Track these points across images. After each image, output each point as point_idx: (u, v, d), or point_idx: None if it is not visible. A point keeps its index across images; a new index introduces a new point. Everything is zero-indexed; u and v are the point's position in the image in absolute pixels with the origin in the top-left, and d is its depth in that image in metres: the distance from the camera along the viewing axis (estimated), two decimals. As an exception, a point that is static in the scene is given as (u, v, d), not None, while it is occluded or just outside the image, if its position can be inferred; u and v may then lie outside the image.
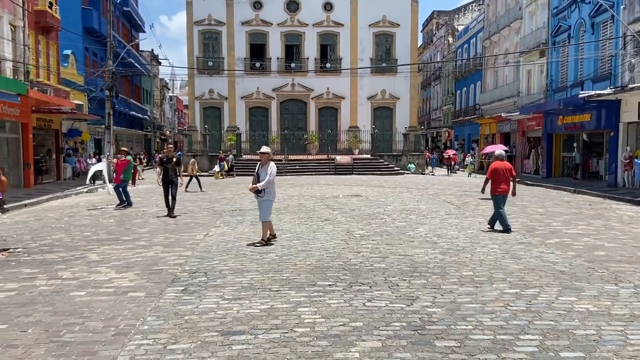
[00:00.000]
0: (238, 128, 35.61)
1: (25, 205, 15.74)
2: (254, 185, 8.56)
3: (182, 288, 6.11)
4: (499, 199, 9.75)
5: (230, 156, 31.00)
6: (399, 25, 36.27)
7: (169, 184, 12.43)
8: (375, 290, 5.95)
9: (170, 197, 12.40)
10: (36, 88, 21.06)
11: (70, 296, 5.84)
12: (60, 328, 4.86)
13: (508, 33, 32.41)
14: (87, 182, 21.02)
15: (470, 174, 30.23)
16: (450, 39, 47.24)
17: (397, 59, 36.37)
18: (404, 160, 33.71)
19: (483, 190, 10.17)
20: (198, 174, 21.17)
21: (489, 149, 24.64)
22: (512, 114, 28.93)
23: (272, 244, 8.67)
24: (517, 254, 7.87)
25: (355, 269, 6.93)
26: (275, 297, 5.75)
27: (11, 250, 8.49)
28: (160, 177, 12.43)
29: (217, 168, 27.53)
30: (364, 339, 4.57)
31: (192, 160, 21.41)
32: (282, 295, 5.82)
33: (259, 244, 8.55)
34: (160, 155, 26.16)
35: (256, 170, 8.75)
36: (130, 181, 15.66)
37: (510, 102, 31.70)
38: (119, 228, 10.74)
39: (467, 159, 32.96)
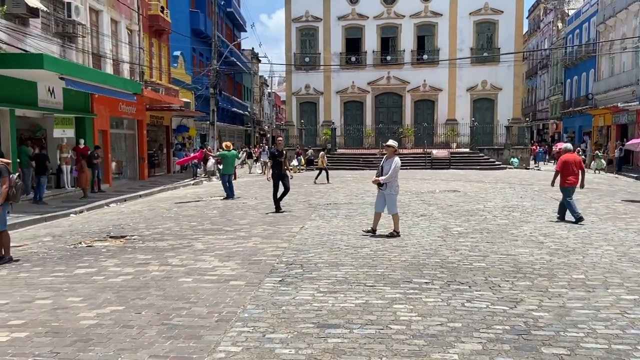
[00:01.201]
0: (333, 122, 35.98)
1: (140, 196, 17.18)
2: (376, 178, 8.84)
3: (279, 279, 6.29)
4: (568, 191, 10.09)
5: (310, 151, 31.47)
6: (502, 12, 34.44)
7: (280, 177, 12.11)
8: (475, 291, 5.72)
9: (284, 190, 12.14)
10: (150, 87, 22.81)
11: (178, 282, 6.25)
12: (169, 312, 5.21)
13: (625, 16, 29.50)
14: (203, 175, 22.99)
15: (598, 169, 26.23)
16: (560, 25, 44.00)
17: (499, 48, 34.56)
18: (506, 154, 32.03)
19: (553, 184, 10.55)
20: (327, 166, 21.75)
21: (633, 142, 21.69)
22: (630, 104, 26.30)
23: (399, 236, 8.86)
24: (636, 257, 7.19)
25: (453, 267, 6.71)
26: (370, 292, 5.72)
27: (128, 237, 9.29)
28: (270, 172, 12.35)
29: (295, 162, 28.08)
30: (463, 340, 4.41)
31: (322, 152, 22.03)
32: (377, 290, 5.78)
33: (395, 234, 8.83)
34: (265, 149, 27.55)
35: (381, 163, 8.98)
36: (232, 174, 16.43)
37: (627, 91, 28.85)
38: (221, 219, 11.34)
39: (595, 152, 28.61)
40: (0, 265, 7.28)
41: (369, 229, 9.17)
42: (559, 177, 10.27)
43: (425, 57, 35.76)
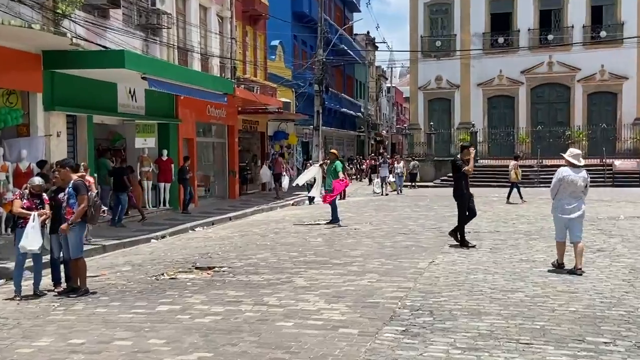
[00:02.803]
0: (473, 125, 35.25)
1: (230, 219, 18.11)
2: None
3: (403, 328, 6.29)
4: None
5: (414, 162, 31.19)
6: None
7: (469, 198, 11.46)
8: (678, 358, 5.29)
9: (468, 214, 11.43)
10: (242, 86, 24.09)
11: (276, 326, 6.50)
12: (266, 362, 5.44)
13: None
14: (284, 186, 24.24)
15: None
16: None
17: None
18: None
19: None
20: (519, 180, 21.82)
21: None
22: None
23: (580, 274, 8.70)
24: None
25: (645, 324, 6.26)
26: (526, 352, 5.53)
27: (217, 268, 9.84)
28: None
29: (391, 178, 27.86)
30: None
31: (513, 163, 21.96)
32: (535, 350, 5.57)
33: (577, 272, 8.74)
34: (383, 160, 28.06)
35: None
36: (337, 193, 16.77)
37: None
38: (328, 249, 11.60)
39: None
40: (76, 299, 8.07)
41: (556, 262, 9.20)
42: None
43: (603, 34, 33.84)
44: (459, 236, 11.49)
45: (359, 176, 39.79)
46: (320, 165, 18.03)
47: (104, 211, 13.03)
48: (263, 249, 11.77)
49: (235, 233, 14.70)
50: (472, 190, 11.85)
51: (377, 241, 12.45)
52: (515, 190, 21.24)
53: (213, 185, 23.83)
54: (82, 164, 12.77)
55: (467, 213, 11.47)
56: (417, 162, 31.83)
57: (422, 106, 38.10)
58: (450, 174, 31.89)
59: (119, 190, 15.35)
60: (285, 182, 24.20)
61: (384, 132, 64.41)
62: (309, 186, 20.86)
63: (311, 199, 21.82)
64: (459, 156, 11.83)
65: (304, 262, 10.25)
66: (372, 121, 57.44)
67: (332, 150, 17.37)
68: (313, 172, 18.34)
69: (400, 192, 27.17)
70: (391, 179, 27.81)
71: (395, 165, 28.25)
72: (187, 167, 19.01)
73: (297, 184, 19.39)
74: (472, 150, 11.70)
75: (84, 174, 10.06)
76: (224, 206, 20.96)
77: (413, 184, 30.57)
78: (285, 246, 12.12)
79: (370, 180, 35.22)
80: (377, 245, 11.83)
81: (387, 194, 26.50)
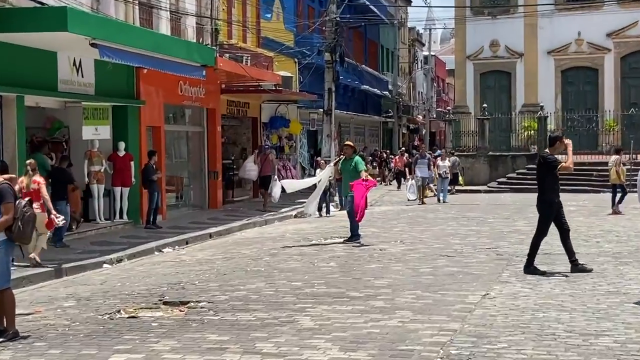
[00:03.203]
0: (541, 107, 35.21)
1: (211, 236, 18.13)
2: None
3: (446, 386, 6.24)
4: None
5: (453, 158, 30.22)
6: None
7: (559, 207, 11.58)
8: None
9: (562, 232, 11.65)
10: (227, 55, 24.17)
11: (273, 383, 6.47)
12: None
13: None
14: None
15: None
16: None
17: None
18: None
19: None
20: (623, 181, 21.08)
21: None
22: None
23: None
24: None
25: None
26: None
27: (192, 304, 9.82)
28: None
29: (419, 175, 27.95)
30: None
31: (615, 157, 21.56)
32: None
33: None
34: (422, 156, 27.70)
35: None
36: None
37: None
38: (344, 277, 11.59)
39: None
40: (1, 345, 8.05)
41: None
42: None
43: None
44: (528, 257, 11.47)
45: (384, 178, 39.83)
46: (335, 164, 17.52)
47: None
48: (255, 277, 11.74)
49: (218, 255, 14.69)
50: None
51: (410, 266, 12.41)
52: (620, 194, 20.78)
53: (187, 190, 23.88)
54: (29, 161, 12.83)
55: (563, 231, 11.50)
56: (457, 157, 31.51)
57: (472, 82, 38.13)
58: (513, 174, 31.72)
59: (59, 199, 15.08)
60: (276, 189, 23.36)
61: (420, 117, 64.31)
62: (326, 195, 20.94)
63: (327, 209, 21.85)
64: (547, 150, 11.78)
65: (311, 294, 10.22)
66: (403, 103, 57.45)
67: (348, 142, 17.34)
68: (326, 173, 17.84)
69: (444, 199, 27.00)
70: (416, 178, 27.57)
71: (439, 162, 27.94)
72: (152, 166, 19.05)
73: (307, 213, 19.42)
74: (568, 141, 11.61)
75: (14, 175, 10.03)
76: (202, 219, 20.97)
77: (453, 188, 30.51)
78: (285, 273, 12.09)
79: (400, 184, 35.22)
80: (411, 272, 11.79)
81: (423, 202, 26.46)
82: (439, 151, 36.17)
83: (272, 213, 22.69)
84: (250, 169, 25.15)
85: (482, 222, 19.70)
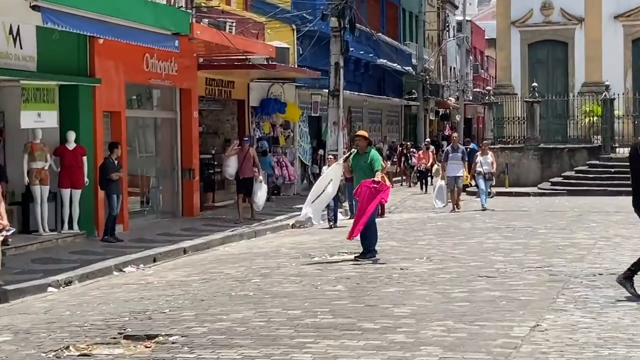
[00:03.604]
0: (606, 87, 35.19)
1: (185, 252, 18.10)
2: None
3: None
4: None
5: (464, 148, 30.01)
6: None
7: None
8: None
9: None
10: (206, 21, 24.15)
11: None
12: None
13: None
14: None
15: None
16: None
17: None
18: None
19: None
20: None
21: None
22: None
23: None
24: None
25: None
26: None
27: (161, 338, 9.78)
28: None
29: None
30: None
31: None
32: None
33: None
34: (455, 149, 27.15)
35: None
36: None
37: None
38: (354, 304, 11.56)
39: None
40: None
41: None
42: None
43: None
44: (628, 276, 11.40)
45: (407, 177, 39.81)
46: (345, 160, 17.31)
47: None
48: (242, 304, 11.70)
49: (194, 276, 14.66)
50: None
51: (439, 290, 12.37)
52: None
53: (155, 193, 23.87)
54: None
55: None
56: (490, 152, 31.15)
57: (519, 55, 38.13)
58: (570, 172, 31.61)
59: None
60: (260, 194, 23.40)
61: (452, 100, 64.29)
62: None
63: (331, 220, 21.71)
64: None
65: (313, 326, 10.16)
66: (431, 81, 57.30)
67: (360, 132, 17.23)
68: (336, 174, 17.58)
69: (484, 205, 26.67)
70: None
71: (479, 158, 27.57)
72: (113, 162, 18.97)
73: (308, 216, 18.90)
74: None
75: None
76: (175, 229, 20.95)
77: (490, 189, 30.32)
78: (280, 299, 12.05)
79: (424, 185, 35.08)
80: (440, 298, 11.75)
81: (457, 208, 26.33)
82: (472, 144, 35.99)
83: (263, 222, 22.65)
84: (228, 164, 24.69)
85: (532, 233, 19.67)
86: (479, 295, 11.88)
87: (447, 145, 31.37)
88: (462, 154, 27.31)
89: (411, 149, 41.41)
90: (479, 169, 27.06)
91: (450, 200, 26.61)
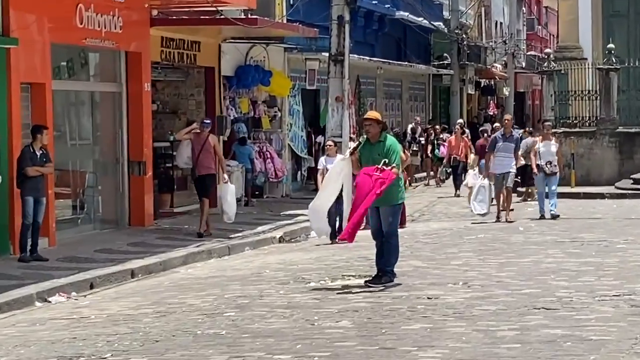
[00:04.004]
0: None
1: (133, 275, 18.13)
2: None
3: None
4: None
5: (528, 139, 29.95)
6: None
7: None
8: None
9: None
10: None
11: None
12: None
13: None
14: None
15: None
16: None
17: None
18: None
19: None
20: None
21: None
22: None
23: None
24: None
25: None
26: None
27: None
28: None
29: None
30: None
31: None
32: None
33: None
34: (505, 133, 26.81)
35: None
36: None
37: None
38: (364, 346, 11.49)
39: None
40: None
41: None
42: None
43: None
44: None
45: (434, 172, 39.83)
46: (352, 152, 17.10)
47: None
48: (211, 346, 11.69)
49: (146, 308, 14.67)
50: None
51: (480, 327, 12.35)
52: None
53: (92, 195, 23.85)
54: None
55: None
56: (530, 136, 31.07)
57: (589, 6, 38.17)
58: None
59: None
60: (230, 199, 23.14)
61: (499, 67, 64.40)
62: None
63: (333, 234, 21.49)
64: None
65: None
66: (469, 42, 57.42)
67: (370, 114, 17.23)
68: (346, 174, 17.43)
69: (553, 212, 26.27)
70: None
71: (539, 146, 26.90)
72: (34, 152, 18.87)
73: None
74: None
75: None
76: (119, 244, 20.99)
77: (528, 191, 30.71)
78: (263, 339, 12.03)
79: (459, 184, 34.78)
80: (482, 337, 11.71)
81: (507, 218, 25.93)
82: (517, 131, 35.72)
83: (239, 235, 22.64)
84: (178, 151, 24.75)
85: (607, 250, 19.73)
86: (534, 334, 11.86)
87: (491, 130, 31.29)
88: (515, 143, 26.84)
89: (440, 134, 41.22)
90: (538, 161, 26.60)
91: (495, 204, 26.51)
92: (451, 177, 37.01)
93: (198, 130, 23.51)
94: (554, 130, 31.29)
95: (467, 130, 38.15)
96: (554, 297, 14.34)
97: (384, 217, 15.60)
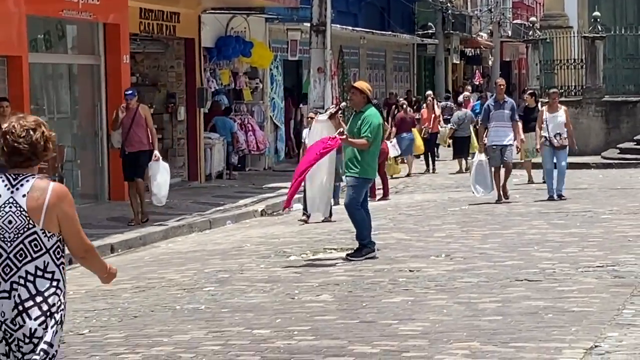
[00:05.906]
0: None
1: (112, 249, 18.19)
2: None
3: None
4: None
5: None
6: None
7: None
8: None
9: None
10: None
11: None
12: None
13: None
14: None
15: None
16: None
17: None
18: None
19: None
20: None
21: None
22: None
23: None
24: None
25: None
26: None
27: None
28: None
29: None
30: None
31: None
32: None
33: None
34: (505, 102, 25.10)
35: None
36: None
37: None
38: (345, 319, 11.58)
39: None
40: None
41: None
42: None
43: None
44: None
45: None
46: (332, 115, 16.88)
47: None
48: (190, 321, 11.75)
49: (125, 283, 14.64)
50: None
51: (462, 299, 12.41)
52: None
53: (71, 169, 23.80)
54: None
55: None
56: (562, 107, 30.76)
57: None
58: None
59: None
60: (158, 180, 20.94)
61: (484, 35, 64.37)
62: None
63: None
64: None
65: (288, 351, 10.22)
66: (454, 10, 57.35)
67: (358, 83, 17.23)
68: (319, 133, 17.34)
69: (560, 191, 23.86)
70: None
71: (546, 115, 24.35)
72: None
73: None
74: None
75: None
76: (98, 219, 20.99)
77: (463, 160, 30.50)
78: (242, 314, 12.09)
79: (433, 160, 34.08)
80: (463, 310, 11.78)
81: (506, 196, 24.39)
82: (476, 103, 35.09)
83: (220, 209, 22.65)
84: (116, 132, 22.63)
85: (591, 220, 19.81)
86: (516, 307, 11.90)
87: (484, 96, 31.16)
88: (511, 110, 24.48)
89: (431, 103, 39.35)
90: (544, 133, 24.30)
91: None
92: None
93: (126, 104, 21.51)
94: (541, 100, 30.91)
95: (445, 102, 37.89)
96: (537, 269, 14.39)
97: (347, 187, 15.60)
